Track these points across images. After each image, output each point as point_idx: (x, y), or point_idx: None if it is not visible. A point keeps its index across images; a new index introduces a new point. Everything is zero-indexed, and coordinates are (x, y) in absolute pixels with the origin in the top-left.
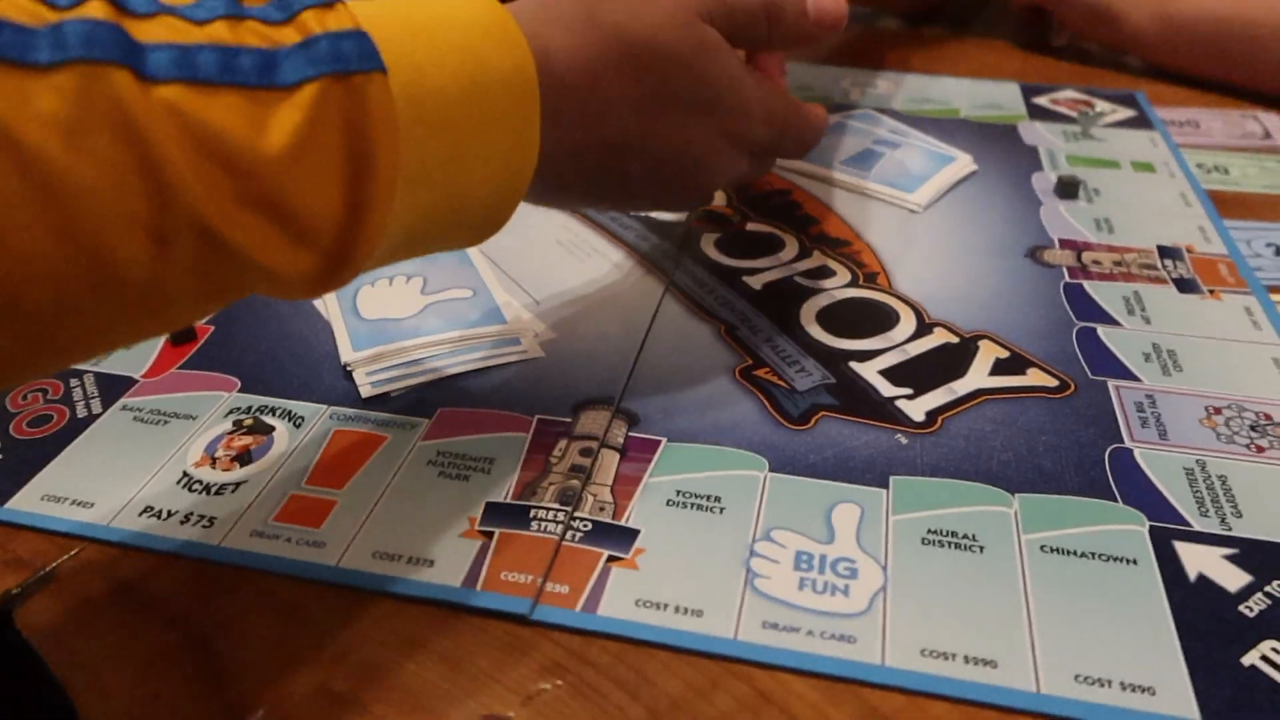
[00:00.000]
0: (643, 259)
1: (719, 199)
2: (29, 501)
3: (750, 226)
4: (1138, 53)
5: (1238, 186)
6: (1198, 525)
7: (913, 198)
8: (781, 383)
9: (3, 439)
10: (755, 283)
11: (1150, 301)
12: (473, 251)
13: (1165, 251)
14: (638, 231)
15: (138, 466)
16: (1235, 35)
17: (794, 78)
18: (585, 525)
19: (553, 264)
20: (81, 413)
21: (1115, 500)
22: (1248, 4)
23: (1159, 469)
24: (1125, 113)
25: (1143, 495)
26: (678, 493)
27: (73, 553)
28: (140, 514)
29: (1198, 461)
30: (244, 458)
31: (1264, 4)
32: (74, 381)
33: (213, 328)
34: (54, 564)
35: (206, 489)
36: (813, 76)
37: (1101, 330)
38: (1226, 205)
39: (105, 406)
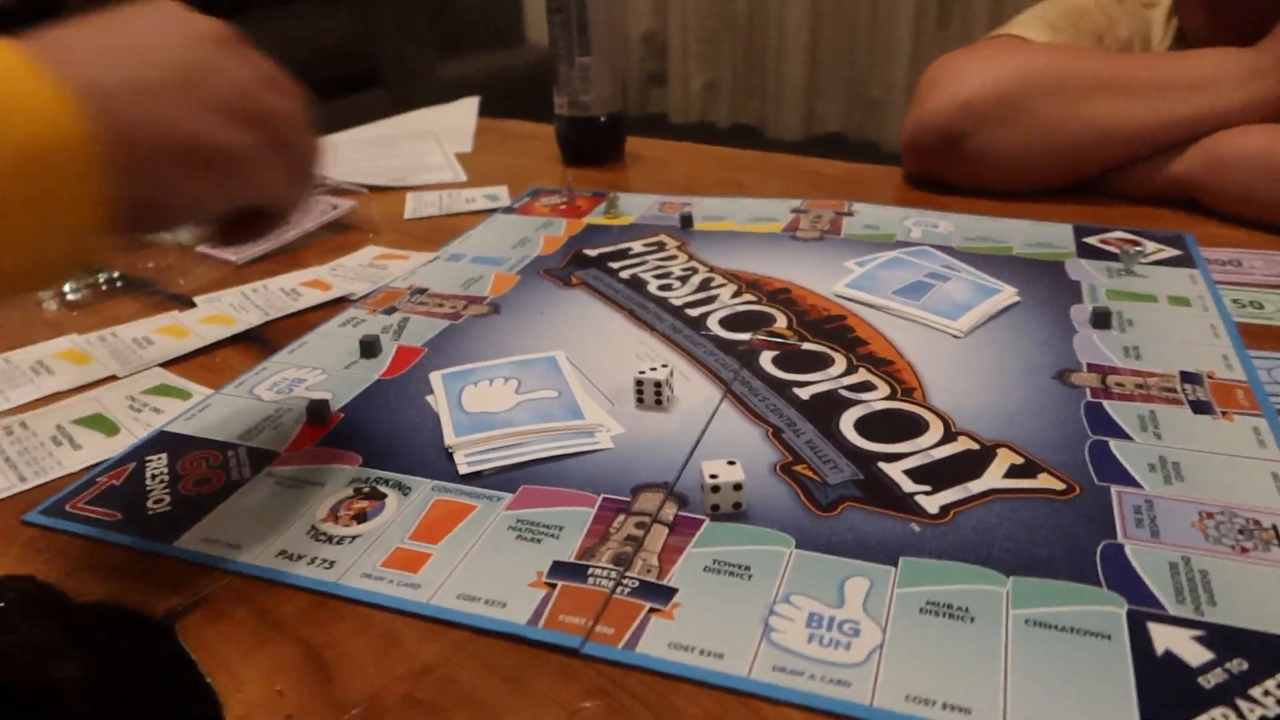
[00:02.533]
0: (707, 371)
1: (781, 321)
2: (191, 542)
3: (805, 346)
4: (1178, 189)
5: (1270, 320)
6: (1173, 610)
7: (955, 324)
8: (815, 477)
9: (173, 494)
10: (804, 394)
11: (1164, 420)
12: (562, 360)
13: (1187, 376)
14: (706, 348)
15: (276, 519)
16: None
17: (861, 216)
18: (633, 583)
19: (629, 371)
20: (235, 477)
21: (1100, 585)
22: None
23: (1145, 562)
24: (1170, 252)
25: (1126, 583)
26: (714, 561)
27: (222, 583)
28: (276, 555)
29: (1183, 557)
30: (361, 517)
31: None
32: (230, 453)
33: (343, 415)
34: (207, 590)
35: (329, 539)
36: (878, 216)
37: (1113, 443)
38: (1255, 336)
39: (254, 473)
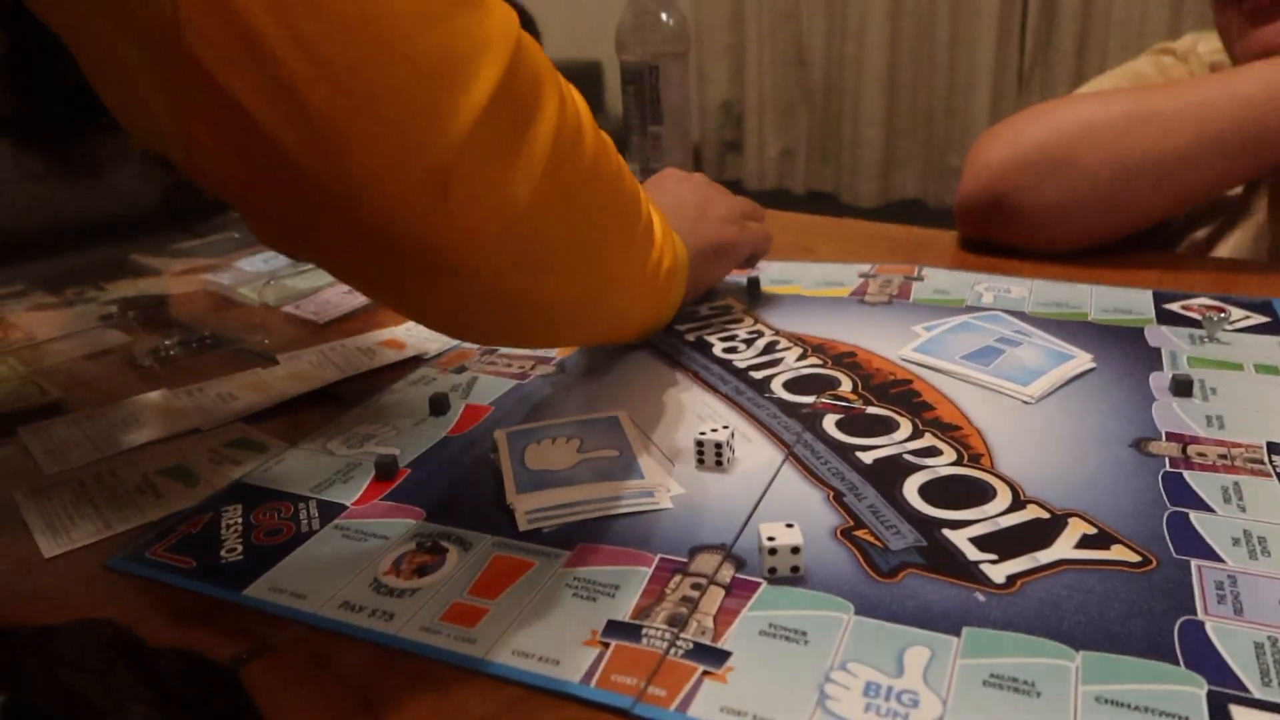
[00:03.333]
0: (769, 433)
1: (846, 385)
2: (260, 591)
3: (870, 410)
4: None
5: None
6: (1258, 693)
7: (1027, 390)
8: (877, 542)
9: (246, 544)
10: (867, 458)
11: (1249, 491)
12: (624, 420)
13: (1275, 447)
14: (769, 410)
15: (341, 571)
16: None
17: (931, 281)
18: (687, 644)
19: (690, 432)
20: (305, 528)
21: (1178, 664)
22: None
23: (1227, 640)
24: (1258, 319)
25: (1206, 662)
26: (770, 625)
27: (287, 632)
28: (339, 606)
29: (1270, 638)
30: (422, 570)
31: None
32: (301, 505)
33: (410, 470)
34: (272, 639)
35: (390, 592)
36: (948, 280)
37: (1194, 515)
38: None
39: (323, 525)
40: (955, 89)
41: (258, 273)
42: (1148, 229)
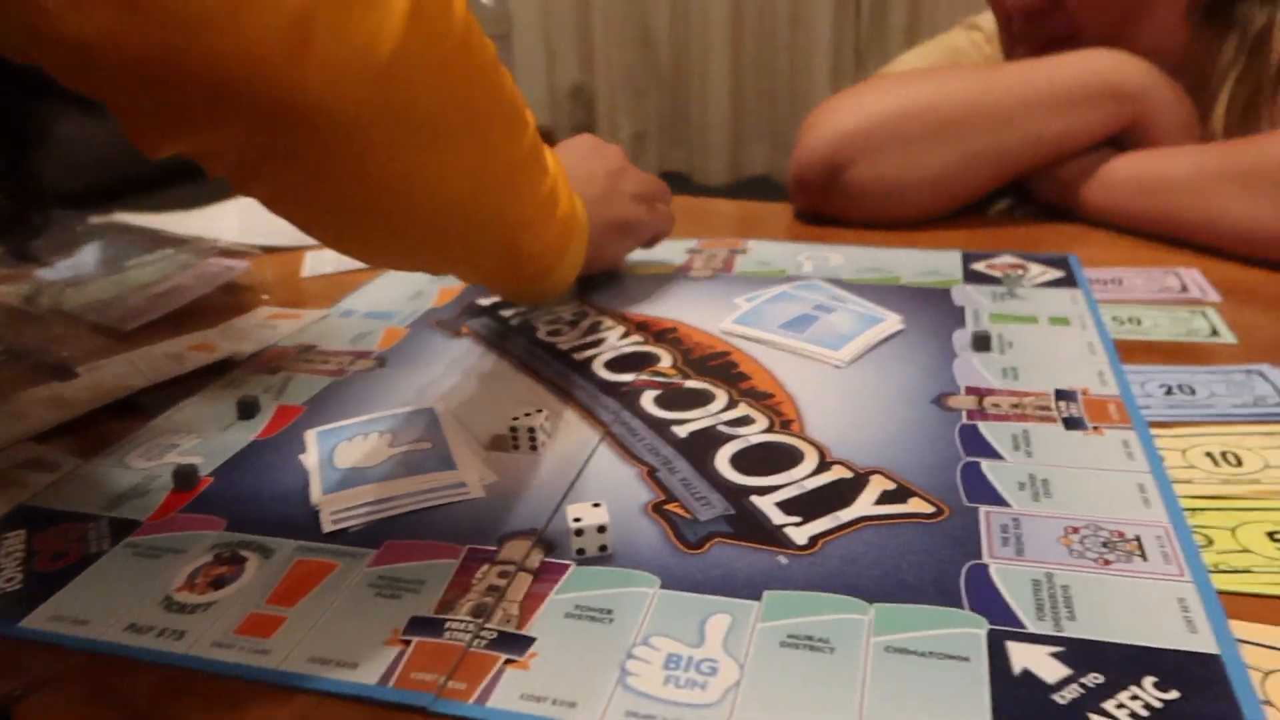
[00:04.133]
0: (588, 414)
1: (666, 360)
2: (38, 621)
3: (688, 384)
4: (1082, 212)
5: (1146, 335)
6: (1032, 627)
7: (837, 354)
8: (687, 514)
9: (26, 571)
10: (683, 431)
11: (1036, 438)
12: (440, 411)
13: (1061, 394)
14: (588, 391)
15: (130, 592)
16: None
17: (755, 254)
18: (491, 634)
19: (508, 418)
20: (94, 549)
21: (963, 607)
22: (1175, 165)
23: (1009, 580)
24: (1055, 274)
25: (988, 603)
26: (576, 607)
27: (69, 662)
28: (125, 629)
29: (1046, 574)
30: (218, 583)
31: (1183, 165)
32: (90, 525)
33: (213, 478)
34: (51, 672)
35: (182, 609)
36: (771, 252)
37: (985, 464)
38: (1132, 352)
39: (114, 544)
40: (797, 67)
41: (56, 280)
42: None
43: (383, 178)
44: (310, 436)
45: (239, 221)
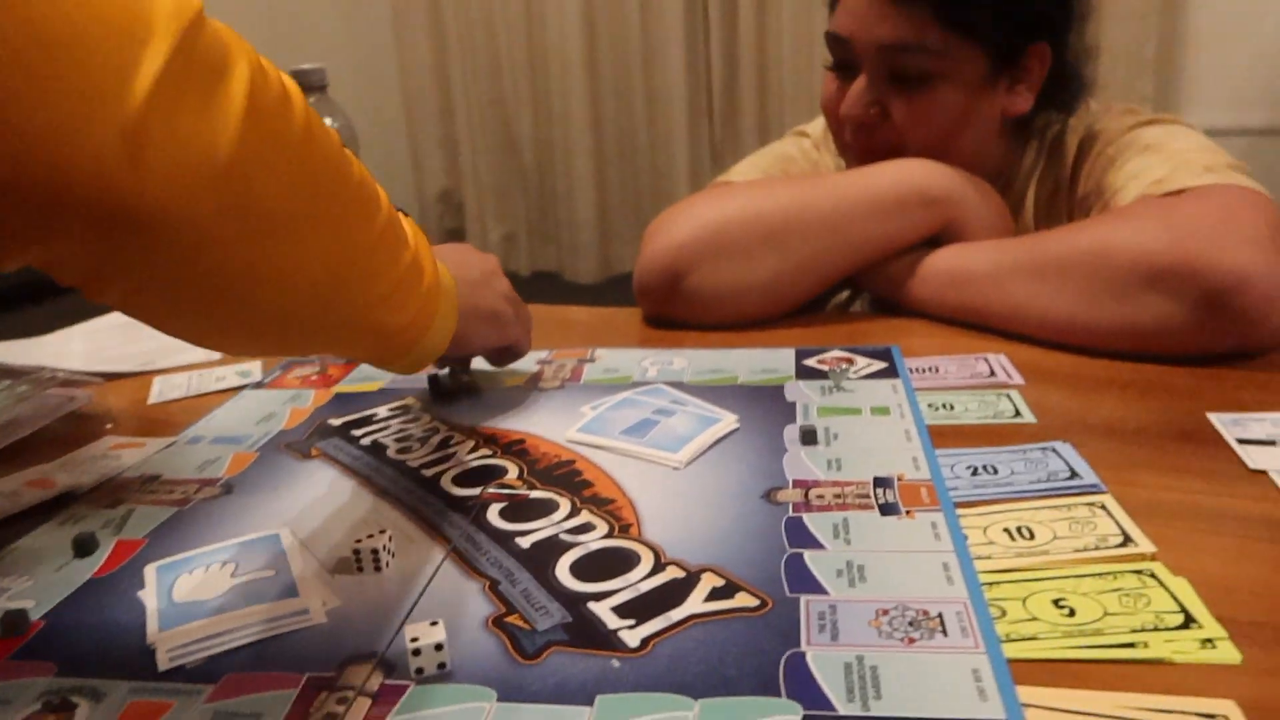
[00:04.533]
0: (433, 530)
1: (513, 472)
2: None
3: (533, 495)
4: (905, 303)
5: (958, 420)
6: (843, 709)
7: (675, 457)
8: (526, 625)
9: None
10: (526, 542)
11: (855, 526)
12: (285, 536)
13: (879, 481)
14: (436, 507)
15: None
16: (968, 286)
17: (602, 361)
18: None
19: (351, 539)
20: None
21: (780, 695)
22: (980, 260)
23: (823, 666)
24: (878, 365)
25: (804, 690)
26: None
27: None
28: None
29: (857, 656)
30: None
31: (986, 260)
32: None
33: (45, 622)
34: None
35: None
36: (618, 359)
37: (808, 554)
38: (944, 436)
39: None
40: (657, 166)
41: None
42: None
43: (231, 275)
44: (150, 571)
45: (83, 348)
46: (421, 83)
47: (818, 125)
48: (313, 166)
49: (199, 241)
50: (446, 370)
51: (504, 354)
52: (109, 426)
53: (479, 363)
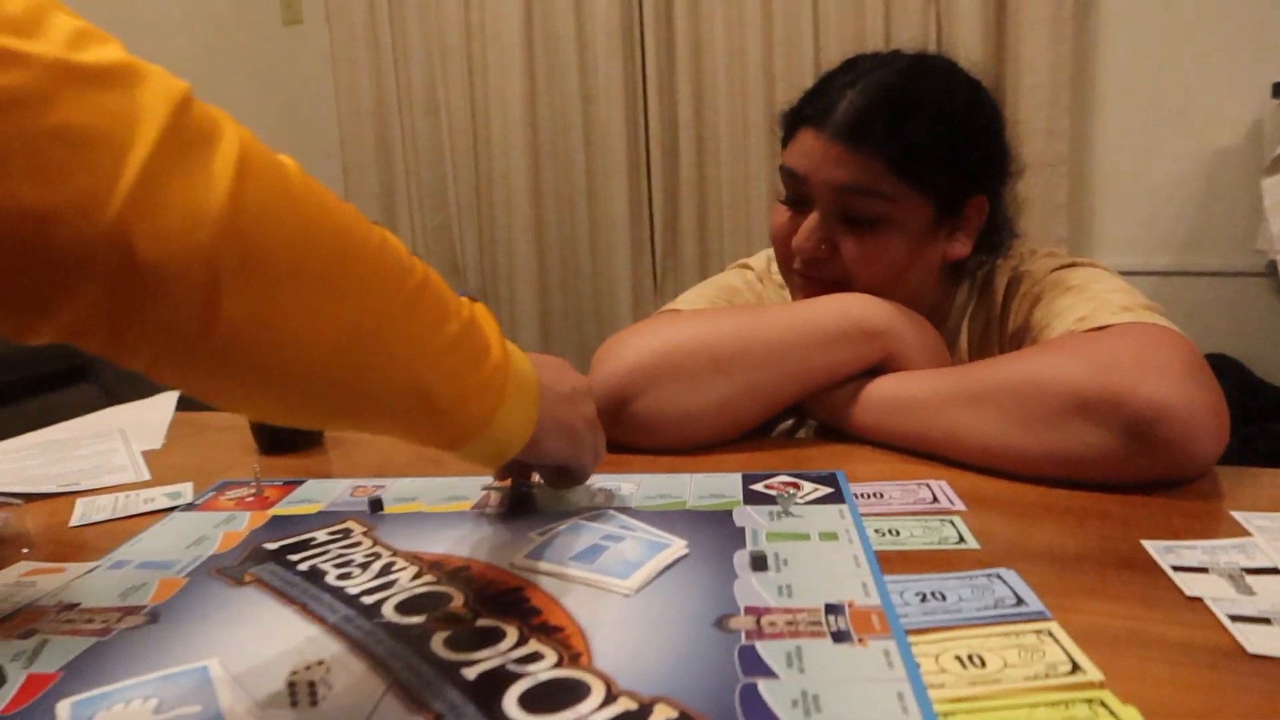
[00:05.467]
0: (375, 661)
1: (458, 599)
2: None
3: (479, 623)
4: (846, 429)
5: (904, 545)
6: None
7: (625, 584)
8: None
9: None
10: (472, 673)
11: (808, 654)
12: (214, 668)
13: (830, 608)
14: (377, 636)
15: None
16: (908, 413)
17: (550, 491)
18: None
19: (286, 671)
20: None
21: None
22: (920, 388)
23: None
24: (824, 490)
25: None
26: None
27: None
28: None
29: None
30: None
31: (926, 389)
32: None
33: None
34: None
35: None
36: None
37: (762, 684)
38: (891, 562)
39: None
40: (600, 293)
41: None
42: None
43: (245, 331)
44: (63, 708)
45: (2, 467)
46: (368, 207)
47: (760, 259)
48: (316, 221)
49: (206, 296)
50: (509, 482)
51: (565, 475)
52: (25, 551)
53: (417, 492)
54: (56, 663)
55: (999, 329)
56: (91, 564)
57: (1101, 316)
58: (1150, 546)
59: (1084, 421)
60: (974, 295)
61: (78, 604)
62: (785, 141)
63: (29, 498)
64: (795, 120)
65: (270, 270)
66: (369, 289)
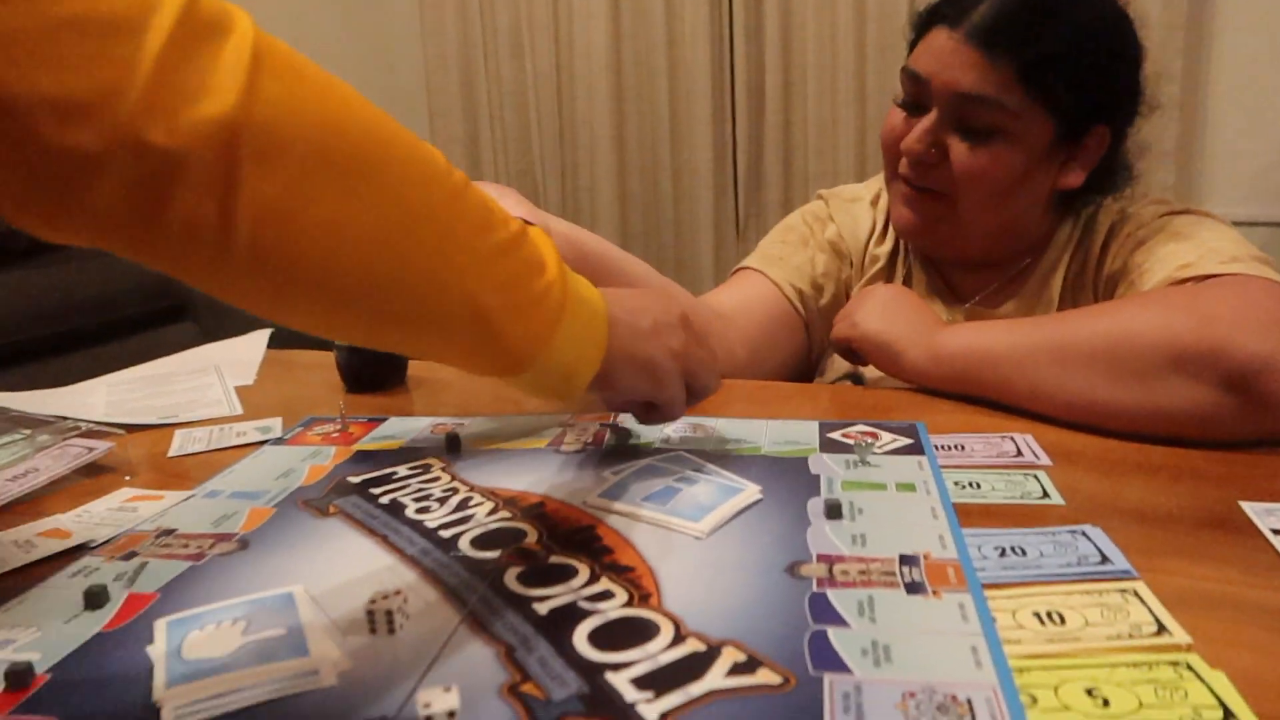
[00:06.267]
0: (450, 593)
1: (532, 536)
2: None
3: (552, 559)
4: (916, 382)
5: (984, 499)
6: None
7: (697, 526)
8: (541, 694)
9: None
10: (543, 608)
11: (880, 604)
12: (299, 595)
13: (905, 559)
14: (453, 569)
15: None
16: (987, 367)
17: (628, 433)
18: None
19: (365, 599)
20: None
21: None
22: (999, 341)
23: None
24: (904, 441)
25: None
26: None
27: None
28: None
29: None
30: None
31: (1005, 341)
32: None
33: (50, 675)
34: None
35: None
36: (640, 426)
37: (832, 631)
38: (971, 515)
39: None
40: (682, 240)
41: None
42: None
43: (269, 221)
44: (160, 626)
45: (106, 399)
46: (452, 152)
47: (839, 191)
48: (338, 112)
49: (224, 183)
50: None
51: (654, 411)
52: (127, 479)
53: (496, 430)
54: (154, 584)
55: (1095, 270)
56: (188, 492)
57: (1206, 265)
58: (1249, 508)
59: (1180, 375)
60: (1076, 233)
61: (174, 530)
62: (913, 44)
63: (131, 428)
64: (929, 19)
65: (289, 158)
66: (403, 182)
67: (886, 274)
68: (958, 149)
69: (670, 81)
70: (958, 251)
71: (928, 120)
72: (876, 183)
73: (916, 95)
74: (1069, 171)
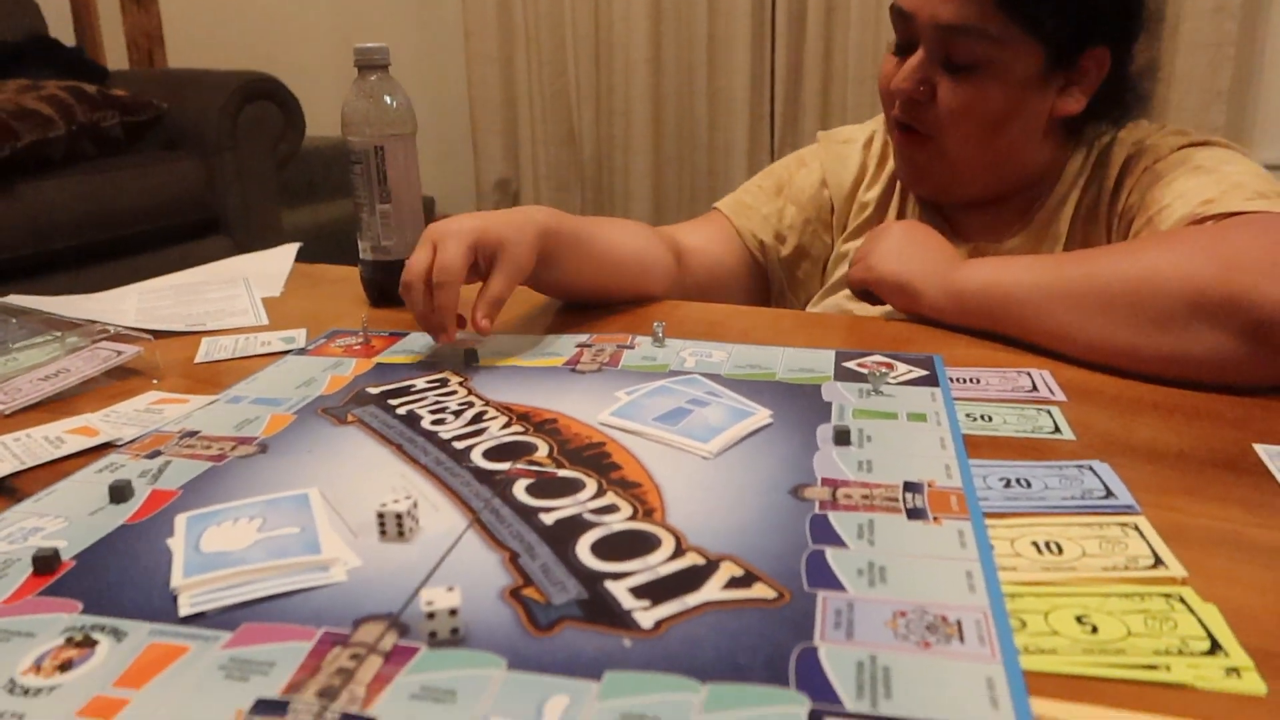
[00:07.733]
0: (460, 501)
1: (543, 450)
2: None
3: (561, 473)
4: (936, 318)
5: (995, 431)
6: (851, 706)
7: (706, 446)
8: (541, 598)
9: None
10: (549, 519)
11: (880, 528)
12: (314, 497)
13: (909, 486)
14: (463, 479)
15: None
16: (1009, 305)
17: (641, 349)
18: (335, 715)
19: (378, 503)
20: None
21: (789, 687)
22: (1019, 282)
23: (835, 662)
24: (919, 372)
25: (813, 683)
26: (421, 688)
27: None
28: None
29: (870, 655)
30: (66, 666)
31: (1025, 282)
32: None
33: (75, 562)
34: None
35: (25, 691)
36: (658, 348)
37: (830, 551)
38: (979, 447)
39: None
40: (715, 167)
41: None
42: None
43: None
44: (180, 521)
45: (137, 306)
46: (486, 72)
47: (835, 133)
48: None
49: None
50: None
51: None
52: (154, 382)
53: (514, 348)
54: (177, 482)
55: (1109, 204)
56: (211, 397)
57: (1231, 201)
58: (1263, 450)
59: (1202, 323)
60: (1088, 165)
61: (198, 432)
62: None
63: (159, 334)
64: None
65: None
66: None
67: (876, 220)
68: (944, 88)
69: (710, 3)
70: (959, 194)
71: (914, 59)
72: (874, 123)
73: (905, 33)
74: (1068, 97)
